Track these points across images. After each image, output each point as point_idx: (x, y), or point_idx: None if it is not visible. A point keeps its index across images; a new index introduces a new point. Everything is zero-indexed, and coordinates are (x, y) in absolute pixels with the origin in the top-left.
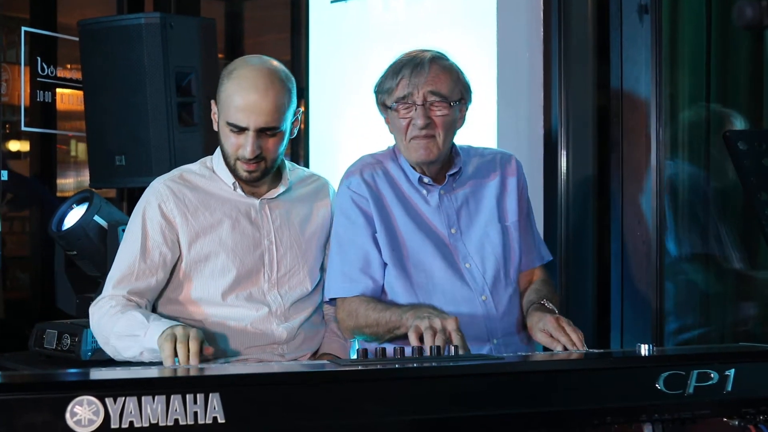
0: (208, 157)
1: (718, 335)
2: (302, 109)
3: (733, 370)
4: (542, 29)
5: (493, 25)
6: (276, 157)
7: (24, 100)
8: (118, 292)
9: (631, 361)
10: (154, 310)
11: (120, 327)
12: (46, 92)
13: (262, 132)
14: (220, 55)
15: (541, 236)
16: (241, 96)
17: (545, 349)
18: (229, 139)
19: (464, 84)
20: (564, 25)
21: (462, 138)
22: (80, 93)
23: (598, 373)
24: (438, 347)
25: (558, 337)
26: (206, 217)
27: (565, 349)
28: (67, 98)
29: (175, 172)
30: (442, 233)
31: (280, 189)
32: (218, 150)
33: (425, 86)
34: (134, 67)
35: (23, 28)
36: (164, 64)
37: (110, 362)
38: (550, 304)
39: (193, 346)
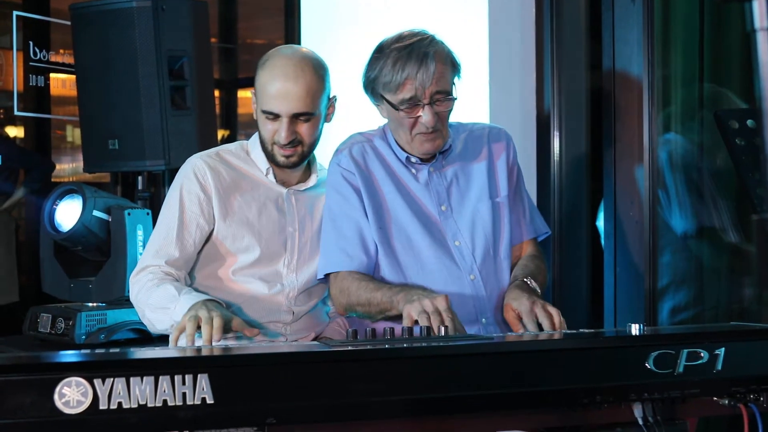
0: (246, 141)
1: (712, 313)
2: (336, 95)
3: (723, 350)
4: (534, 10)
5: (485, 6)
6: (312, 142)
7: (17, 84)
8: (156, 262)
9: (621, 341)
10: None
11: (154, 300)
12: (39, 77)
13: (295, 118)
14: (213, 39)
15: (536, 210)
16: (273, 84)
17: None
18: (265, 126)
19: (457, 66)
20: (556, 5)
21: (454, 118)
22: (74, 77)
23: (587, 352)
24: (428, 327)
25: (527, 323)
26: (237, 197)
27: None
28: (61, 83)
29: (213, 150)
30: (431, 211)
31: (309, 183)
32: (255, 135)
33: (432, 86)
34: (126, 50)
35: (15, 13)
36: (156, 47)
37: (104, 346)
38: (534, 282)
39: (217, 322)
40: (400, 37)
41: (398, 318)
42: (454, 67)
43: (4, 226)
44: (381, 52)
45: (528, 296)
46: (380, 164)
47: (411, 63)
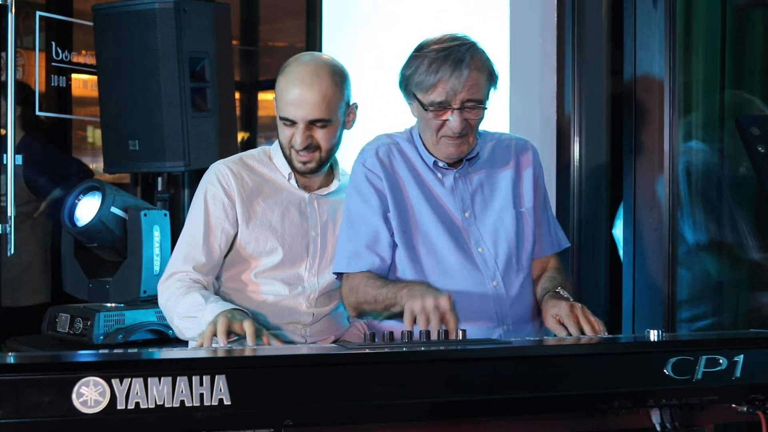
0: (269, 146)
1: (731, 322)
2: (357, 102)
3: (741, 356)
4: (556, 14)
5: (506, 10)
6: (330, 148)
7: (39, 85)
8: (184, 268)
9: (640, 346)
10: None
11: (181, 308)
12: (61, 77)
13: (312, 124)
14: (234, 41)
15: (557, 223)
16: (290, 90)
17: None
18: (283, 132)
19: (494, 76)
20: (577, 10)
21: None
22: (96, 78)
23: (606, 358)
24: (446, 331)
25: (568, 325)
26: (259, 202)
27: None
28: (83, 83)
29: (236, 156)
30: (456, 216)
31: (331, 187)
32: (277, 140)
33: (463, 92)
34: (148, 51)
35: (38, 13)
36: (178, 49)
37: (122, 346)
38: (566, 292)
39: (250, 328)
40: (440, 39)
41: (402, 315)
42: (490, 77)
43: (42, 228)
44: (420, 51)
45: (566, 302)
46: (406, 167)
47: (445, 66)
